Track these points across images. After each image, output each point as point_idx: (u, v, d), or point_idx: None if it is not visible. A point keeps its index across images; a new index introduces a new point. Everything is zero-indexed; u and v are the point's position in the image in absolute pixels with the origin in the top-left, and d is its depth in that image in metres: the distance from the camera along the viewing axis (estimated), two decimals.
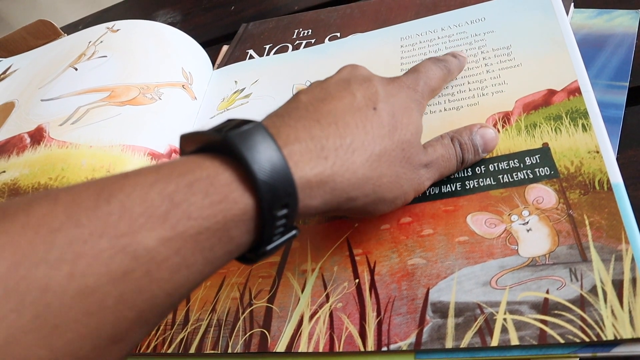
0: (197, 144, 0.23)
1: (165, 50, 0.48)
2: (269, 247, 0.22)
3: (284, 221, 0.21)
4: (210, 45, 0.57)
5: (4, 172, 0.40)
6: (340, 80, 0.27)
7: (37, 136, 0.42)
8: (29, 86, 0.49)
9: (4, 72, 0.56)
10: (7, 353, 0.15)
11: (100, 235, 0.17)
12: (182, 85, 0.46)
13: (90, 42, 0.51)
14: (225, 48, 0.55)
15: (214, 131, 0.21)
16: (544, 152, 0.29)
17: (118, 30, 0.51)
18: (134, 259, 0.17)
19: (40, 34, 0.60)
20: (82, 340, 0.16)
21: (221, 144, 0.21)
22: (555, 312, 0.23)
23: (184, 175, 0.19)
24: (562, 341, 0.22)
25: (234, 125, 0.21)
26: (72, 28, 0.81)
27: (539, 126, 0.30)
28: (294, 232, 0.23)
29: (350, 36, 0.46)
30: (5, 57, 0.60)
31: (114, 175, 0.19)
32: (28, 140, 0.42)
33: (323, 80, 0.28)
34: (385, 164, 0.25)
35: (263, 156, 0.20)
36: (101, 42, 0.50)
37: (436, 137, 0.29)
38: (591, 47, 0.36)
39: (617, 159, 0.29)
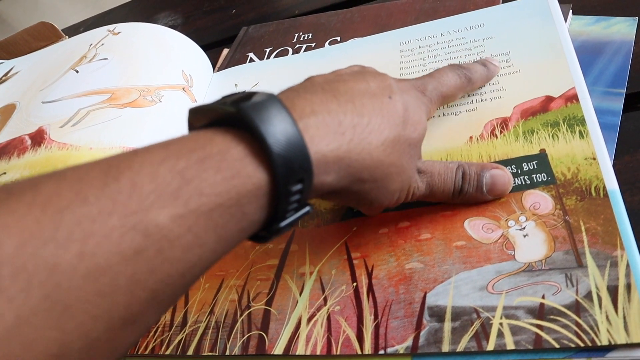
0: (206, 119, 0.22)
1: (166, 52, 0.49)
2: (283, 223, 0.21)
3: (297, 197, 0.21)
4: (211, 48, 0.57)
5: (5, 173, 0.40)
6: (353, 71, 0.27)
7: (38, 138, 0.42)
8: (30, 88, 0.50)
9: (6, 74, 0.56)
10: (16, 334, 0.14)
11: (110, 214, 0.16)
12: (183, 88, 0.46)
13: (91, 44, 0.51)
14: (225, 51, 0.55)
15: (224, 104, 0.20)
16: (541, 158, 0.29)
17: (119, 32, 0.51)
18: (145, 237, 0.17)
19: (42, 36, 0.61)
20: (95, 321, 0.16)
21: (233, 117, 0.20)
22: (551, 317, 0.23)
23: (194, 151, 0.19)
24: (557, 346, 0.22)
25: (244, 97, 0.20)
26: (73, 30, 0.81)
27: (537, 132, 0.30)
28: (307, 208, 0.22)
29: (350, 40, 0.46)
30: (7, 59, 0.60)
31: (121, 153, 0.19)
32: (29, 142, 0.42)
33: (334, 70, 0.27)
34: (396, 153, 0.24)
35: (278, 129, 0.20)
36: (102, 44, 0.50)
37: (444, 161, 0.29)
38: (589, 54, 0.36)
39: (614, 165, 0.30)
